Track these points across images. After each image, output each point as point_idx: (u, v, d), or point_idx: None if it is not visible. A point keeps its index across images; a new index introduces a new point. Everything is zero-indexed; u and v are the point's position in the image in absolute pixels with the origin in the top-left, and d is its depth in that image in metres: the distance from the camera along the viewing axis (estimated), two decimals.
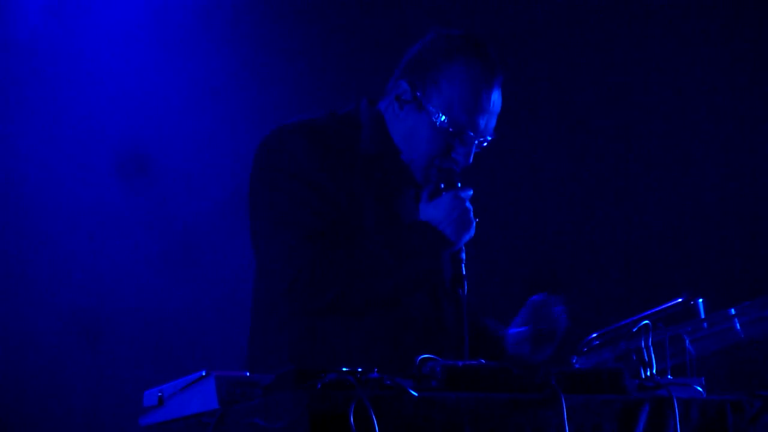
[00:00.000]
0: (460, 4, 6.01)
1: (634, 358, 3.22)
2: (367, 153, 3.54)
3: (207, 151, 5.81)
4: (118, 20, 5.72)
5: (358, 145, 3.54)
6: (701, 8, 6.16)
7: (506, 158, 5.95)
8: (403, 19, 5.91)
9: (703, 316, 3.55)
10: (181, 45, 5.81)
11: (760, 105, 6.11)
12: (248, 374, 2.78)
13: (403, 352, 3.34)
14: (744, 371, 3.56)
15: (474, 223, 3.49)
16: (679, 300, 3.50)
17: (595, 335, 3.47)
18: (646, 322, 3.24)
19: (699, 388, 3.05)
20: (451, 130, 3.48)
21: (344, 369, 2.64)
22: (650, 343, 3.20)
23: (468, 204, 3.48)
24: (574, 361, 3.48)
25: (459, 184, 3.50)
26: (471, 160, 3.53)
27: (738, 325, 3.57)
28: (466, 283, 3.48)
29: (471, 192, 3.51)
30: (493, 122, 3.52)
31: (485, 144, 3.54)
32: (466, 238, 3.49)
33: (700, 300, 3.56)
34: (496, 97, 3.52)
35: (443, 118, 3.48)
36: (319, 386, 2.58)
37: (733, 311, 3.58)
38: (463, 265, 3.49)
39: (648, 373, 3.17)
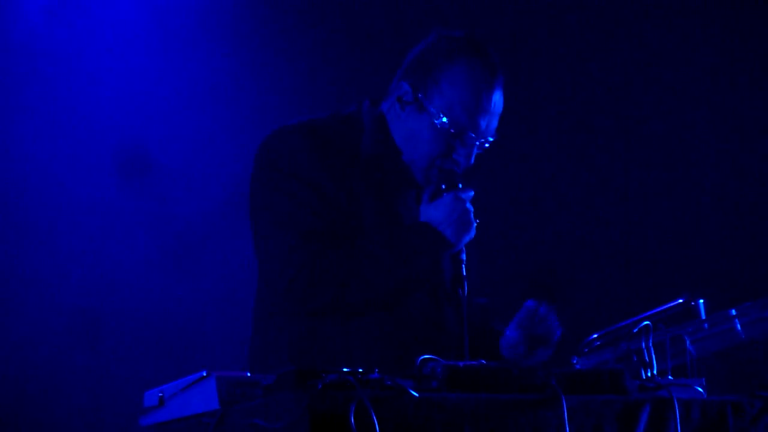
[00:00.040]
0: (464, 5, 6.01)
1: (635, 358, 3.22)
2: (368, 154, 3.54)
3: (207, 151, 5.81)
4: (118, 20, 5.72)
5: (359, 145, 3.54)
6: (701, 8, 6.16)
7: (507, 159, 5.95)
8: (406, 19, 5.91)
9: (703, 317, 3.55)
10: (181, 45, 5.81)
11: (760, 105, 6.10)
12: (249, 374, 2.78)
13: (403, 353, 3.35)
14: (745, 372, 3.56)
15: (474, 224, 3.49)
16: (680, 300, 3.51)
17: (595, 336, 3.47)
18: (647, 322, 3.24)
19: (700, 389, 3.05)
20: (452, 131, 3.48)
21: (345, 369, 2.64)
22: (651, 344, 3.20)
23: (469, 205, 3.48)
24: (574, 361, 3.48)
25: (460, 185, 3.50)
26: (472, 161, 3.53)
27: (739, 326, 3.56)
28: (466, 283, 3.48)
29: (472, 193, 3.51)
30: (494, 123, 3.53)
31: (487, 145, 3.54)
32: (467, 239, 3.49)
33: (701, 301, 3.56)
34: (497, 98, 3.52)
35: (444, 119, 3.48)
36: (320, 386, 2.58)
37: (734, 312, 3.58)
38: (463, 266, 3.49)
39: (649, 374, 3.17)
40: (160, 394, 2.92)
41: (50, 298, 5.52)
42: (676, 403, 2.87)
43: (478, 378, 2.78)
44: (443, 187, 3.50)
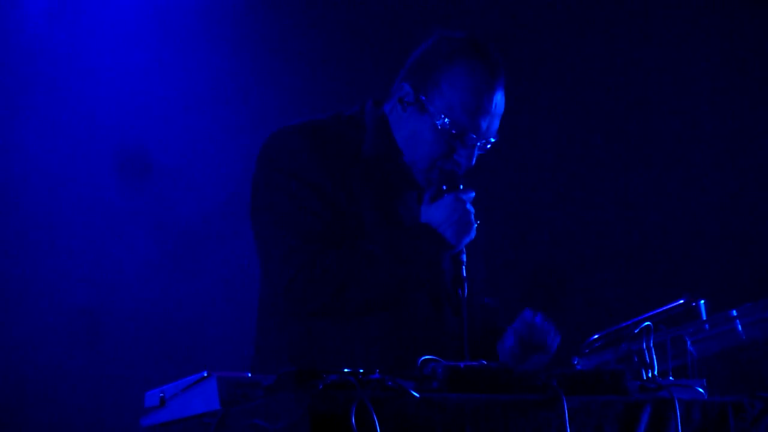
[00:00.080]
0: (468, 6, 6.01)
1: (636, 359, 3.22)
2: (369, 154, 3.54)
3: (208, 151, 5.81)
4: (118, 21, 5.72)
5: (360, 146, 3.54)
6: (702, 8, 6.16)
7: (507, 159, 5.95)
8: (409, 20, 5.91)
9: (704, 318, 3.55)
10: (182, 45, 5.81)
11: (761, 106, 6.10)
12: (249, 375, 2.78)
13: (403, 354, 3.36)
14: (745, 373, 3.56)
15: (474, 226, 3.48)
16: (681, 301, 3.51)
17: (596, 336, 3.47)
18: (648, 323, 3.24)
19: (700, 390, 3.05)
20: (453, 132, 3.48)
21: (346, 370, 2.64)
22: (652, 345, 3.20)
23: (469, 206, 3.48)
24: (575, 362, 3.48)
25: (461, 186, 3.49)
26: (473, 162, 3.53)
27: (740, 327, 3.56)
28: (466, 285, 3.48)
29: (473, 194, 3.51)
30: (495, 124, 3.52)
31: (489, 146, 3.54)
32: (467, 240, 3.49)
33: (702, 301, 3.56)
34: (498, 99, 3.51)
35: (445, 120, 3.48)
36: (321, 387, 2.58)
37: (734, 313, 3.58)
38: (463, 267, 3.49)
39: (649, 375, 3.17)
40: (161, 395, 2.91)
41: (51, 298, 5.52)
42: (677, 403, 2.87)
43: (479, 378, 2.78)
44: (444, 188, 3.50)
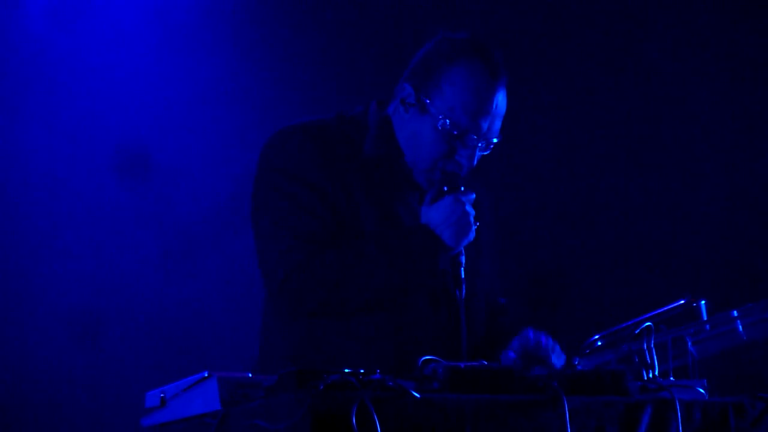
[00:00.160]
0: (473, 7, 6.00)
1: (637, 359, 3.22)
2: (369, 155, 3.54)
3: (209, 151, 5.81)
4: (118, 21, 5.72)
5: (361, 147, 3.54)
6: (703, 8, 6.16)
7: (508, 160, 5.95)
8: (412, 21, 5.90)
9: (705, 318, 3.55)
10: (183, 45, 5.81)
11: (762, 106, 6.10)
12: (250, 375, 2.79)
13: (402, 355, 3.35)
14: (746, 373, 3.56)
15: (474, 227, 3.48)
16: (682, 301, 3.51)
17: (597, 337, 3.47)
18: (649, 323, 3.24)
19: (701, 390, 3.05)
20: (454, 132, 3.48)
21: (346, 370, 2.64)
22: (652, 345, 3.20)
23: (468, 208, 3.47)
24: (576, 362, 3.47)
25: (462, 188, 3.49)
26: (475, 163, 3.53)
27: (741, 327, 3.56)
28: (464, 286, 3.47)
29: (473, 196, 3.51)
30: (497, 124, 3.52)
31: (491, 147, 3.53)
32: (465, 241, 3.48)
33: (703, 302, 3.56)
34: (499, 100, 3.51)
35: (446, 120, 3.48)
36: (322, 387, 2.58)
37: (735, 313, 3.58)
38: (462, 268, 3.48)
39: (650, 375, 3.16)
40: (162, 395, 2.92)
41: (51, 298, 5.52)
42: (677, 404, 2.87)
43: (480, 379, 2.78)
44: (445, 189, 3.50)
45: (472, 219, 3.47)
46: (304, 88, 5.88)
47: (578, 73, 6.24)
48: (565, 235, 6.21)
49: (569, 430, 2.74)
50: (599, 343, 3.47)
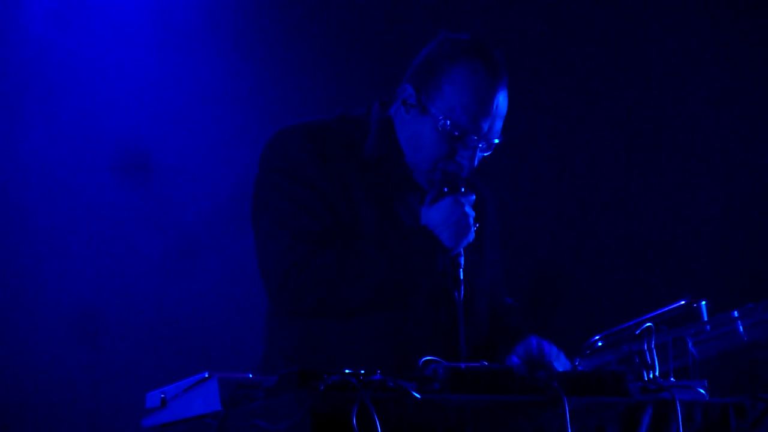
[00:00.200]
0: (476, 7, 6.00)
1: (637, 360, 3.22)
2: (370, 155, 3.54)
3: (209, 151, 5.81)
4: (119, 21, 5.71)
5: (362, 147, 3.54)
6: (704, 8, 6.16)
7: (510, 159, 5.94)
8: (415, 21, 5.90)
9: (706, 319, 3.55)
10: (183, 45, 5.81)
11: (762, 106, 6.10)
12: (251, 375, 2.79)
13: (400, 355, 3.35)
14: (747, 374, 3.56)
15: (473, 229, 3.47)
16: (682, 302, 3.51)
17: (597, 337, 3.47)
18: (649, 324, 3.24)
19: (702, 391, 3.05)
20: (455, 133, 3.47)
21: (347, 371, 2.64)
22: (653, 346, 3.20)
23: (468, 209, 3.47)
24: (576, 363, 3.47)
25: (462, 189, 3.49)
26: (476, 164, 3.53)
27: (741, 328, 3.56)
28: (463, 287, 3.47)
29: (473, 197, 3.50)
30: (497, 125, 3.51)
31: (492, 147, 3.53)
32: (464, 242, 3.47)
33: (703, 302, 3.56)
34: (499, 100, 3.50)
35: (446, 121, 3.47)
36: (322, 388, 2.58)
37: (736, 314, 3.58)
38: (461, 269, 3.48)
39: (651, 376, 3.16)
40: (162, 396, 2.92)
41: (52, 298, 5.52)
42: (678, 404, 2.87)
43: (480, 379, 2.78)
44: (445, 190, 3.50)
45: (471, 220, 3.47)
46: (304, 89, 5.88)
47: (578, 73, 6.24)
48: (565, 235, 6.21)
49: (570, 430, 2.74)
50: (600, 344, 3.47)
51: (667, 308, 3.45)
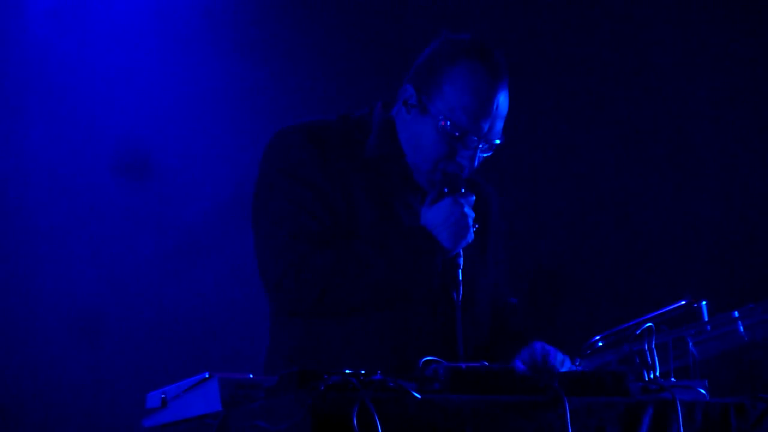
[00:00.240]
0: (478, 7, 6.00)
1: (638, 360, 3.22)
2: (370, 156, 3.54)
3: (209, 151, 5.81)
4: (119, 21, 5.72)
5: (364, 148, 3.54)
6: (704, 8, 6.16)
7: (510, 159, 5.94)
8: (417, 22, 5.90)
9: (706, 319, 3.55)
10: (184, 45, 5.81)
11: (762, 107, 6.10)
12: (251, 376, 2.79)
13: (399, 356, 3.35)
14: (747, 374, 3.56)
15: (472, 230, 3.47)
16: (683, 302, 3.51)
17: (598, 337, 3.47)
18: (650, 324, 3.24)
19: (702, 391, 3.05)
20: (455, 134, 3.47)
21: (347, 371, 2.64)
22: (653, 346, 3.20)
23: (467, 209, 3.46)
24: (577, 363, 3.47)
25: (462, 190, 3.48)
26: (477, 165, 3.53)
27: (741, 328, 3.56)
28: (461, 288, 3.47)
29: (473, 198, 3.50)
30: (498, 125, 3.51)
31: (492, 148, 3.53)
32: (462, 244, 3.47)
33: (704, 302, 3.56)
34: (500, 101, 3.50)
35: (446, 121, 3.47)
36: (322, 388, 2.58)
37: (736, 314, 3.58)
38: (459, 270, 3.48)
39: (651, 376, 3.16)
40: (163, 396, 2.92)
41: (52, 299, 5.52)
42: (678, 405, 2.86)
43: (481, 379, 2.78)
44: (445, 190, 3.49)
45: (470, 221, 3.46)
46: (304, 89, 5.88)
47: (579, 73, 6.24)
48: (565, 235, 6.22)
49: (570, 430, 2.74)
50: (600, 344, 3.47)
51: (667, 308, 3.45)
